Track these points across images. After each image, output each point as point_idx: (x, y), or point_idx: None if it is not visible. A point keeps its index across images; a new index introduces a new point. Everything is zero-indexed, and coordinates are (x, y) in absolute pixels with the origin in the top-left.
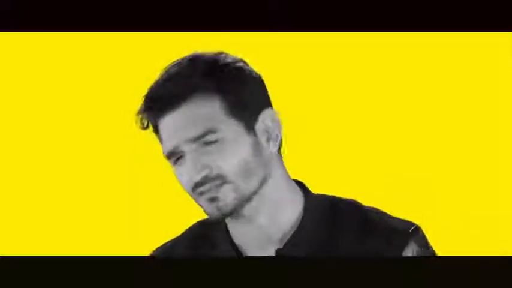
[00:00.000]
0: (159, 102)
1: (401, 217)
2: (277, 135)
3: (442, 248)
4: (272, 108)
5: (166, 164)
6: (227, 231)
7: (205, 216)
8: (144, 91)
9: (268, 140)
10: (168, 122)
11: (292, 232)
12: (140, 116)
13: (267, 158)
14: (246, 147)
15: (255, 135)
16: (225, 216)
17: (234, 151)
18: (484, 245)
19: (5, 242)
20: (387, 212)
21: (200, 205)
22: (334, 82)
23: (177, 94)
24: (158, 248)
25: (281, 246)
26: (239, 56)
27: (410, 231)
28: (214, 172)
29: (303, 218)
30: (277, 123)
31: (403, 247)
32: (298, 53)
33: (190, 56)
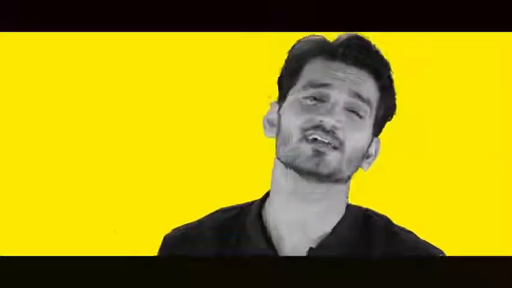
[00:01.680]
0: (353, 51)
1: (401, 217)
2: (369, 164)
3: (442, 248)
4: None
5: (166, 164)
6: (261, 221)
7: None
8: (144, 91)
9: (365, 158)
10: (338, 68)
11: (327, 234)
12: (310, 50)
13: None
14: (365, 143)
15: (370, 145)
16: (313, 174)
17: (361, 136)
18: (484, 244)
19: (5, 242)
20: (386, 214)
21: (297, 148)
22: None
23: (366, 62)
24: (175, 228)
25: (314, 246)
26: (239, 55)
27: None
28: (340, 135)
29: (339, 223)
30: (376, 156)
31: None
32: None
33: None
